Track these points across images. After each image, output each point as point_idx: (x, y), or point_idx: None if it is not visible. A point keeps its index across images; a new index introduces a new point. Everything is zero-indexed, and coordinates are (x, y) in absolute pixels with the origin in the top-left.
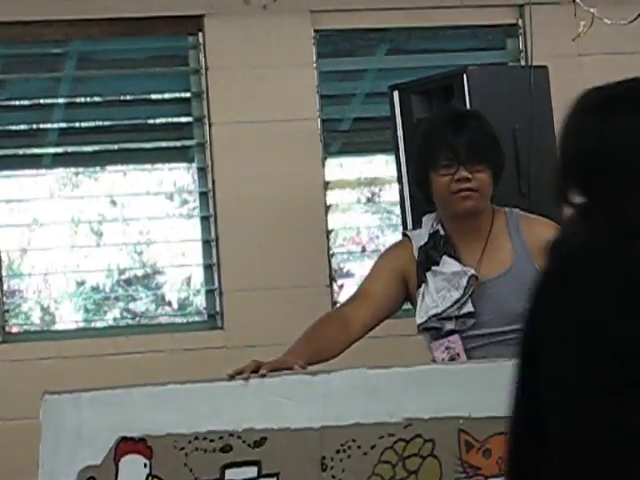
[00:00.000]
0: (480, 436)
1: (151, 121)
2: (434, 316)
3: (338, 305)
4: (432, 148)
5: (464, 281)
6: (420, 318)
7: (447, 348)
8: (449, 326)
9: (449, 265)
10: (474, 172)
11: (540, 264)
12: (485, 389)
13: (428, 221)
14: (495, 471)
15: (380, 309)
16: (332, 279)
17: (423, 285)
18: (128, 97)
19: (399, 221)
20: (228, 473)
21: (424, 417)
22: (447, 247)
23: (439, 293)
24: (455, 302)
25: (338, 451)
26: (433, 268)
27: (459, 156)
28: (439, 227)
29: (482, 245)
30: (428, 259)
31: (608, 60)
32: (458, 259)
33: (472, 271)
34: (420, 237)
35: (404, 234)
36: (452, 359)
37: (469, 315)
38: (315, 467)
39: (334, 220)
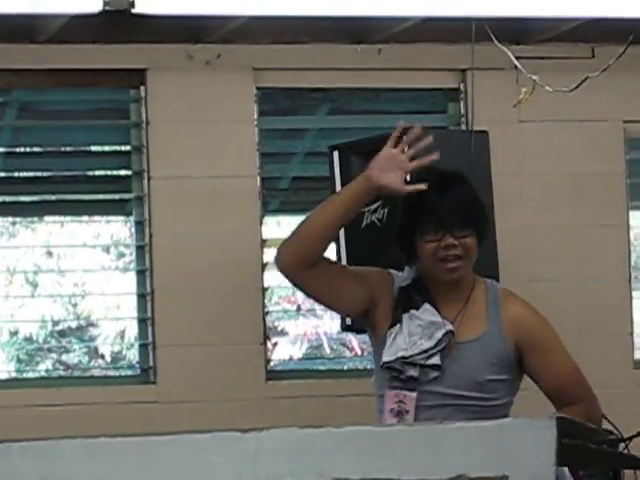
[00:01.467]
0: None
1: (90, 173)
2: (402, 358)
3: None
4: (416, 212)
5: (440, 333)
6: (388, 356)
7: (399, 401)
8: (412, 372)
9: (428, 313)
10: (460, 237)
11: (509, 339)
12: (415, 452)
13: (411, 270)
14: None
15: (340, 278)
16: (266, 337)
17: (397, 325)
18: (68, 148)
19: None
20: None
21: (354, 478)
22: (428, 296)
23: (411, 338)
24: (424, 351)
25: None
26: (412, 311)
27: (445, 223)
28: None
29: (459, 307)
30: (408, 301)
31: (548, 127)
32: (438, 311)
33: (450, 326)
34: (402, 279)
35: (385, 268)
36: (400, 412)
37: (434, 367)
38: None
39: (270, 278)
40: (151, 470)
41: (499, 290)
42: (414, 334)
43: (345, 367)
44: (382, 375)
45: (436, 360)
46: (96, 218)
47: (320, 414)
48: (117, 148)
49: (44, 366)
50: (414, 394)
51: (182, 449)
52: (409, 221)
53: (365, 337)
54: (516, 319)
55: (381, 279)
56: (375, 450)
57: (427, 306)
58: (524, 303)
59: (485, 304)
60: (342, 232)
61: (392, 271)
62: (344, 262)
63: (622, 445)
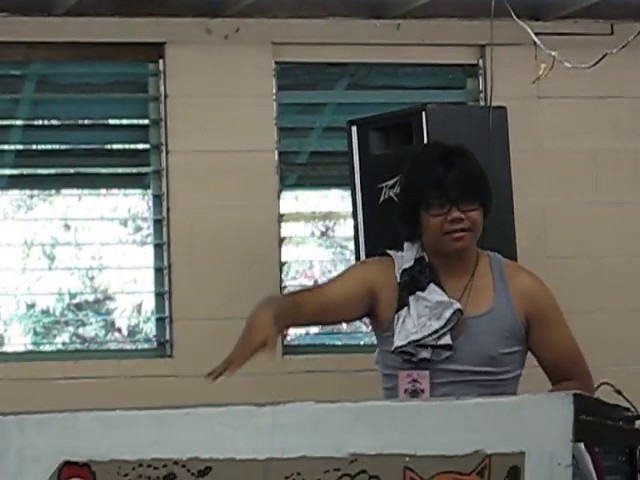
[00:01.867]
0: (425, 474)
1: (108, 146)
2: (414, 341)
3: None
4: (422, 187)
5: (448, 313)
6: (399, 341)
7: (414, 380)
8: (424, 354)
9: (435, 294)
10: (466, 211)
11: (519, 312)
12: (432, 428)
13: (412, 247)
14: None
15: (331, 308)
16: None
17: (405, 308)
18: (86, 121)
19: (352, 256)
20: None
21: (370, 453)
22: (433, 276)
23: (419, 319)
24: (434, 332)
25: None
26: (418, 293)
27: (451, 196)
28: (424, 254)
29: (465, 282)
30: (413, 283)
31: (567, 103)
32: (444, 290)
33: (458, 305)
34: (404, 260)
35: (385, 253)
36: (415, 392)
37: (446, 347)
38: None
39: (287, 253)
40: (167, 443)
41: (504, 263)
42: (422, 315)
43: (361, 342)
44: (392, 358)
45: (447, 340)
46: (114, 191)
47: (336, 389)
48: (135, 122)
49: (61, 339)
50: (427, 372)
51: (198, 422)
52: (413, 194)
53: None
54: (526, 291)
55: (378, 271)
56: (391, 425)
57: (433, 286)
58: (532, 275)
59: (491, 277)
60: (360, 208)
61: (391, 252)
62: (362, 238)
63: (638, 422)
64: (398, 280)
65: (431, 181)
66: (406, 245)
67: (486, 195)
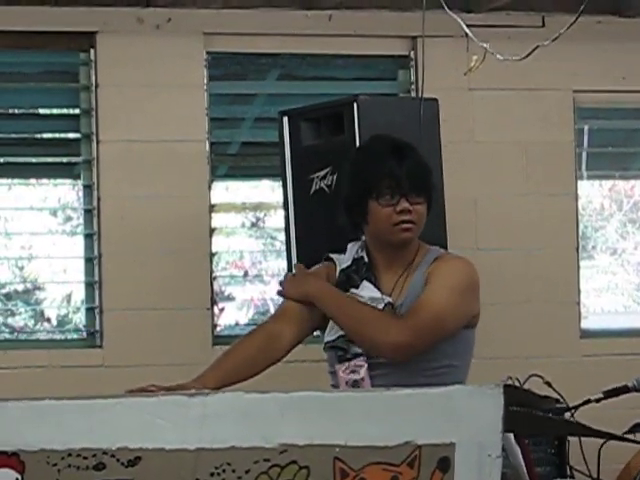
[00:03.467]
0: (355, 465)
1: (38, 136)
2: (342, 336)
3: (262, 322)
4: (374, 176)
5: (379, 307)
6: (329, 336)
7: (352, 371)
8: (356, 349)
9: (368, 290)
10: (414, 204)
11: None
12: (363, 418)
13: (353, 247)
14: None
15: (303, 328)
16: (213, 302)
17: None
18: (16, 111)
19: (283, 247)
20: None
21: (300, 443)
22: (368, 274)
23: None
24: None
25: (212, 474)
26: (352, 290)
27: (402, 187)
28: (363, 254)
29: (399, 275)
30: (348, 281)
31: (498, 95)
32: (377, 286)
33: (389, 299)
34: (343, 261)
35: (328, 257)
36: (355, 383)
37: None
38: None
39: (218, 243)
40: (96, 433)
41: (440, 254)
42: None
43: None
44: (331, 355)
45: None
46: (44, 181)
47: (266, 380)
48: (66, 111)
49: None
50: (363, 360)
51: (128, 412)
52: (363, 184)
53: None
54: (435, 265)
55: (324, 277)
56: (321, 416)
57: (365, 283)
58: (457, 257)
59: (418, 268)
60: (291, 199)
61: (334, 256)
62: (292, 228)
63: (568, 414)
64: (337, 280)
65: (384, 171)
66: (349, 246)
67: (432, 191)
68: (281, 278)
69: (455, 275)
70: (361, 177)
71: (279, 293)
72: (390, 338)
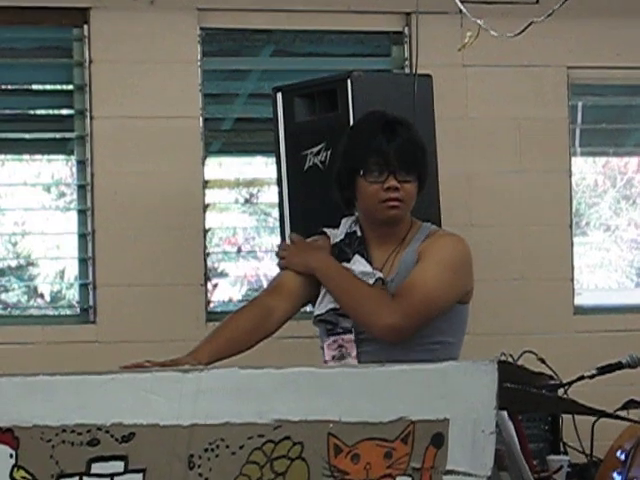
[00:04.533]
0: (349, 441)
1: (32, 112)
2: (332, 310)
3: (255, 296)
4: (362, 153)
5: (370, 282)
6: (319, 310)
7: (340, 346)
8: (346, 324)
9: (359, 264)
10: (402, 182)
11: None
12: (357, 394)
13: (347, 222)
14: (363, 476)
15: (296, 300)
16: (207, 278)
17: None
18: (9, 87)
19: (276, 223)
20: (94, 467)
21: (294, 419)
22: (360, 248)
23: None
24: None
25: (206, 450)
26: (343, 264)
27: (390, 164)
28: (357, 228)
29: (391, 251)
30: (340, 255)
31: (492, 72)
32: (369, 261)
33: (379, 274)
34: (336, 235)
35: (322, 232)
36: (343, 357)
37: None
38: (182, 465)
39: (211, 219)
40: (90, 409)
41: (432, 230)
42: None
43: None
44: (322, 330)
45: None
46: (37, 157)
47: (259, 356)
48: (59, 87)
49: None
50: (351, 336)
51: (122, 388)
52: (353, 159)
53: None
54: (428, 241)
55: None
56: (316, 391)
57: (357, 257)
58: (449, 234)
59: (410, 244)
60: (284, 175)
61: (328, 231)
62: (286, 205)
63: (561, 390)
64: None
65: (372, 147)
66: (343, 220)
67: (423, 169)
68: (280, 246)
69: (447, 252)
70: (350, 154)
71: (279, 264)
72: (381, 321)
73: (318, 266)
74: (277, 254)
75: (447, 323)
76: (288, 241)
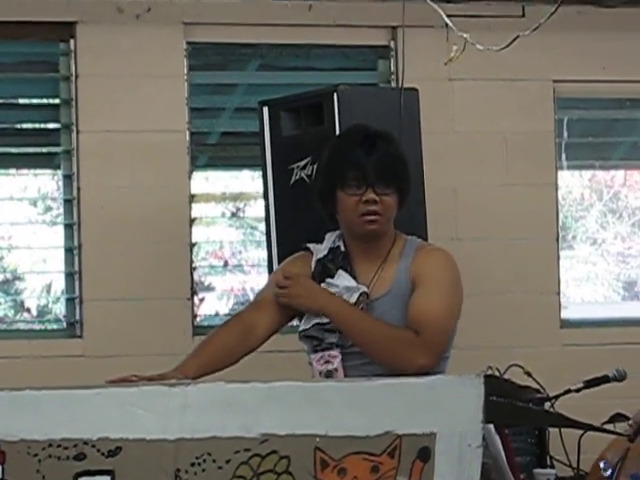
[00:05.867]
0: (336, 455)
1: (18, 126)
2: (317, 324)
3: (239, 311)
4: (341, 166)
5: (355, 297)
6: (304, 325)
7: (326, 362)
8: (331, 339)
9: (343, 279)
10: (381, 195)
11: (412, 287)
12: (343, 408)
13: (331, 237)
14: None
15: (279, 317)
16: (193, 292)
17: None
18: None
19: (263, 237)
20: None
21: (280, 433)
22: (344, 263)
23: None
24: None
25: (193, 464)
26: (327, 280)
27: (368, 177)
28: (340, 243)
29: (377, 266)
30: (324, 271)
31: (479, 86)
32: (353, 276)
33: (364, 288)
34: (320, 251)
35: (306, 247)
36: (329, 373)
37: None
38: (169, 479)
39: (198, 233)
40: (77, 423)
41: (419, 245)
42: None
43: None
44: (308, 346)
45: None
46: (24, 171)
47: (245, 370)
48: (46, 101)
49: None
50: (337, 351)
51: (108, 402)
52: (332, 173)
53: None
54: (419, 260)
55: (297, 267)
56: (302, 405)
57: (341, 272)
58: (437, 249)
59: (399, 259)
60: (271, 189)
61: (312, 246)
62: (273, 219)
63: (548, 404)
64: (312, 270)
65: (351, 161)
66: (327, 236)
67: (403, 182)
68: (277, 282)
69: (443, 273)
70: (330, 167)
71: (280, 300)
72: (414, 364)
73: (331, 308)
74: (277, 285)
75: None
76: (280, 275)
